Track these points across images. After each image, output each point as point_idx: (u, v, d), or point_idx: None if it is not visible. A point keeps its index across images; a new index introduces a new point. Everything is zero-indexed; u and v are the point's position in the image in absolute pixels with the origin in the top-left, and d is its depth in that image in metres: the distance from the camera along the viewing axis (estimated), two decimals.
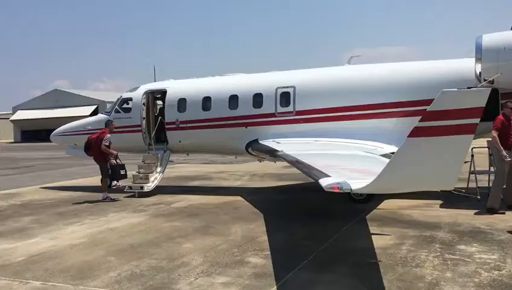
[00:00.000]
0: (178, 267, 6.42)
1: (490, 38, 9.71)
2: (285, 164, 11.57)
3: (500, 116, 9.00)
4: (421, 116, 4.27)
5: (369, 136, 11.07)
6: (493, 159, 9.79)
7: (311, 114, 11.90)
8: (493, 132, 8.79)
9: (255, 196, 12.12)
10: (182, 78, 14.66)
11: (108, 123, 12.87)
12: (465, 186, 10.89)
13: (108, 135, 12.32)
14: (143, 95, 13.80)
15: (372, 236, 7.63)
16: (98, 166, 12.69)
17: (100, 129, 12.95)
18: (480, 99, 3.99)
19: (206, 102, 13.01)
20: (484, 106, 4.00)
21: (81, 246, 7.70)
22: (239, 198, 11.89)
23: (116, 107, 14.13)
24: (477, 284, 5.32)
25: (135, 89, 14.30)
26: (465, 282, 5.40)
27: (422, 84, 11.09)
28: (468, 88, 10.02)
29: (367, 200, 10.44)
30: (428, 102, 11.32)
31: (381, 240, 7.38)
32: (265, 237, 7.83)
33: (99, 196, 12.47)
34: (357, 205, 10.18)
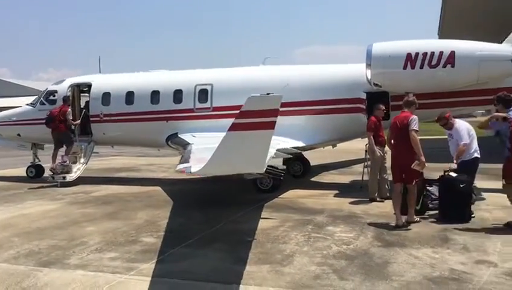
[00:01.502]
0: (75, 246, 7.11)
1: (379, 47, 10.92)
2: None
3: (373, 118, 10.23)
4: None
5: (280, 132, 12.06)
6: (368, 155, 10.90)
7: (227, 110, 12.77)
8: (368, 132, 10.02)
9: (173, 186, 12.88)
10: (128, 71, 15.26)
11: (66, 99, 13.86)
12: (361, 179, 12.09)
13: (69, 110, 13.71)
14: (68, 88, 14.23)
15: (261, 220, 8.59)
16: (19, 157, 13.10)
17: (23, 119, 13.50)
18: (275, 102, 5.03)
19: (130, 96, 13.61)
20: (279, 108, 5.04)
21: None
22: (157, 188, 12.59)
23: (42, 99, 14.49)
24: (323, 255, 6.37)
25: (61, 81, 14.71)
26: (315, 254, 6.45)
27: (327, 86, 12.27)
28: (367, 92, 11.40)
29: (272, 190, 11.43)
30: (332, 101, 12.58)
31: (267, 223, 8.36)
32: (166, 221, 8.62)
33: (21, 187, 12.89)
34: (262, 195, 11.13)
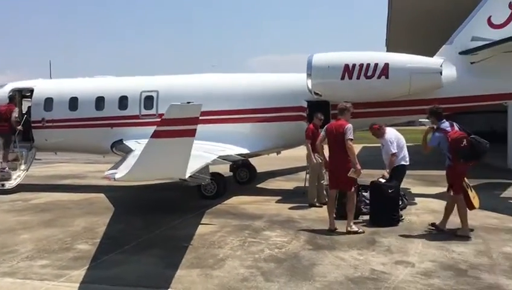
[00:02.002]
0: (6, 254, 7.01)
1: (318, 58, 11.33)
2: None
3: (311, 126, 10.60)
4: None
5: (224, 139, 12.25)
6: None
7: None
8: (306, 140, 10.37)
9: (117, 193, 12.75)
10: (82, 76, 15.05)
11: (12, 97, 13.81)
12: (303, 185, 12.42)
13: (16, 108, 13.49)
14: (9, 92, 13.87)
15: (200, 226, 8.71)
16: None
17: None
18: (195, 111, 5.24)
19: (73, 102, 13.43)
20: (199, 116, 5.24)
21: None
22: (101, 195, 12.45)
23: None
24: (254, 259, 6.57)
25: (2, 86, 14.31)
26: (247, 258, 6.63)
27: (271, 94, 12.57)
28: (308, 101, 11.74)
29: (216, 197, 11.56)
30: (276, 110, 12.87)
31: (205, 228, 8.49)
32: (104, 228, 8.59)
33: None
34: (206, 201, 11.24)
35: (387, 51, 34.26)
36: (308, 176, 11.43)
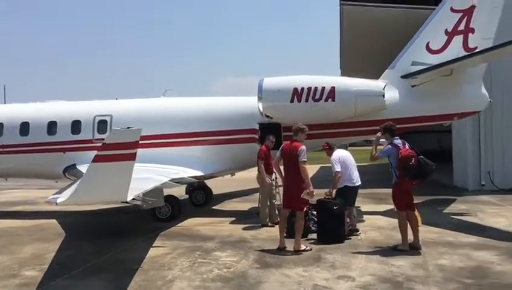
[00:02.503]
0: None
1: (268, 82, 11.73)
2: None
3: (263, 147, 10.92)
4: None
5: (178, 162, 12.37)
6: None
7: None
8: (259, 161, 10.65)
9: (69, 219, 12.58)
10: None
11: None
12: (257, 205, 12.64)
13: None
14: None
15: (152, 249, 8.76)
16: None
17: None
18: (135, 135, 5.46)
19: (24, 127, 13.26)
20: (139, 140, 5.45)
21: None
22: (52, 221, 12.22)
23: None
24: (202, 279, 6.72)
25: None
26: (195, 278, 6.78)
27: (224, 117, 12.85)
28: (260, 123, 12.07)
29: (171, 219, 11.62)
30: (229, 132, 13.10)
31: (157, 251, 8.55)
32: (53, 254, 8.51)
33: None
34: (160, 224, 11.27)
35: (342, 74, 35.63)
36: (260, 196, 11.70)
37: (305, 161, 8.18)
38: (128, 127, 5.57)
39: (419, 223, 8.29)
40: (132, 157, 5.37)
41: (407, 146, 8.17)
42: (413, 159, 7.88)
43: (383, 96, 11.45)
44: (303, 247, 8.21)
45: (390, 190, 16.10)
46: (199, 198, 14.80)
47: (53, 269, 7.50)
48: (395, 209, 8.26)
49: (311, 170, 8.33)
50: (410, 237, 8.21)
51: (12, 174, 14.15)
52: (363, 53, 27.01)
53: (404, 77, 12.13)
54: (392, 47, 12.66)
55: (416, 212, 8.23)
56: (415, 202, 8.42)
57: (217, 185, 17.17)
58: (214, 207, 14.44)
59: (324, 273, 6.83)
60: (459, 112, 12.14)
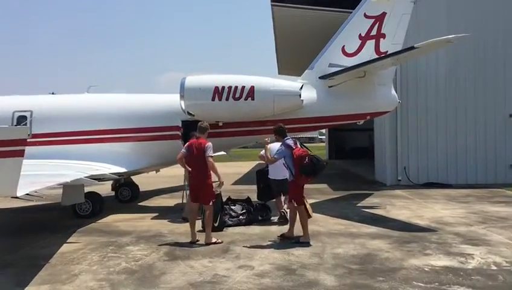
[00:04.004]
0: None
1: (191, 80, 12.00)
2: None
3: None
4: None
5: (100, 158, 12.38)
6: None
7: (47, 137, 12.70)
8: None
9: None
10: None
11: None
12: (181, 201, 12.89)
13: None
14: None
15: (65, 244, 8.80)
16: None
17: None
18: (23, 133, 5.67)
19: None
20: (26, 138, 5.65)
21: None
22: None
23: None
24: (108, 272, 6.90)
25: None
26: (101, 271, 6.94)
27: (148, 114, 12.98)
28: (184, 120, 12.25)
29: (92, 215, 11.63)
30: (153, 129, 13.19)
31: (70, 246, 8.61)
32: None
33: None
34: (81, 220, 11.26)
35: (279, 73, 36.45)
36: (186, 192, 11.94)
37: (212, 156, 8.67)
38: (16, 125, 5.66)
39: (311, 213, 8.95)
40: (21, 154, 5.48)
41: (298, 145, 8.76)
42: (307, 157, 8.45)
43: (300, 96, 12.02)
44: (214, 240, 8.59)
45: (314, 186, 16.98)
46: (125, 194, 14.86)
47: None
48: (294, 204, 8.73)
49: (215, 165, 8.67)
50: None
51: None
52: (296, 52, 27.84)
53: (321, 77, 12.79)
54: (321, 47, 13.27)
55: (308, 205, 8.79)
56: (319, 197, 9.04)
57: (147, 182, 17.31)
58: (140, 203, 14.54)
59: (227, 264, 7.20)
60: (371, 112, 12.95)
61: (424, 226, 9.72)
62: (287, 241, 8.53)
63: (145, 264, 7.30)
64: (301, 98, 12.10)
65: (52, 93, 15.93)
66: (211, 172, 8.84)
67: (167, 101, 12.98)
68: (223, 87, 11.76)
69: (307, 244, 8.28)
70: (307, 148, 8.81)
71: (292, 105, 12.11)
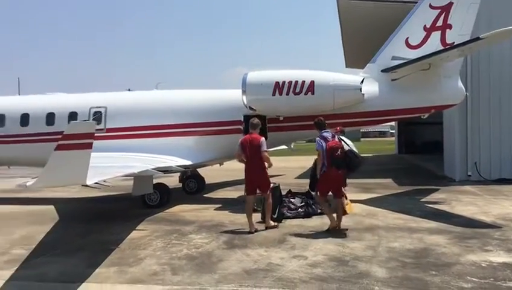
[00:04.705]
0: None
1: (252, 76, 12.29)
2: (126, 177, 12.85)
3: None
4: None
5: (168, 151, 13.05)
6: None
7: (120, 131, 13.59)
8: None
9: (68, 205, 13.41)
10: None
11: None
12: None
13: None
14: None
15: (134, 231, 9.44)
16: None
17: None
18: (90, 128, 6.15)
19: (25, 118, 14.04)
20: (94, 132, 6.14)
21: None
22: (50, 207, 13.00)
23: None
24: (170, 257, 7.37)
25: None
26: (164, 257, 7.43)
27: (213, 109, 13.48)
28: (246, 115, 12.65)
29: (160, 205, 12.32)
30: (217, 123, 13.71)
31: (138, 233, 9.23)
32: (43, 235, 9.24)
33: None
34: (150, 209, 11.97)
35: (346, 66, 35.90)
36: None
37: (267, 151, 9.20)
38: (84, 120, 6.21)
39: (349, 210, 9.31)
40: (89, 146, 6.03)
41: (336, 138, 8.89)
42: (339, 150, 8.62)
43: (360, 90, 11.94)
44: (272, 223, 9.27)
45: (379, 180, 16.82)
46: (192, 186, 15.52)
47: (39, 248, 8.22)
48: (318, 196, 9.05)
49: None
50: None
51: (14, 162, 14.98)
52: (363, 45, 27.32)
53: (384, 71, 12.61)
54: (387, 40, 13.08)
55: (348, 201, 8.88)
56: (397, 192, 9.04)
57: (213, 175, 17.93)
58: (205, 195, 15.11)
59: (282, 254, 7.43)
60: (436, 105, 12.58)
61: (488, 222, 9.37)
62: (339, 233, 8.62)
63: (205, 252, 7.70)
64: (362, 92, 12.01)
65: (129, 90, 16.96)
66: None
67: (230, 97, 13.37)
68: (284, 82, 11.96)
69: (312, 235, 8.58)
70: (343, 141, 8.93)
71: (353, 99, 12.07)
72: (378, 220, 9.90)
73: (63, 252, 7.96)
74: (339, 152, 8.59)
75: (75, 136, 6.00)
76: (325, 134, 8.94)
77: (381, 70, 12.63)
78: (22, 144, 14.01)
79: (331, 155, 8.61)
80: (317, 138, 9.01)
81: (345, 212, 9.14)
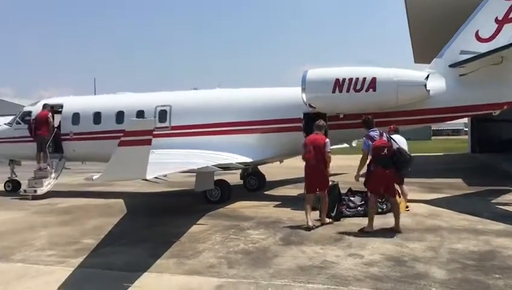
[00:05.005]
0: (23, 246, 8.29)
1: (312, 73, 12.24)
2: (190, 174, 13.28)
3: None
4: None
5: (229, 149, 13.31)
6: None
7: (184, 129, 14.05)
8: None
9: (134, 199, 14.06)
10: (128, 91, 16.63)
11: (45, 106, 15.31)
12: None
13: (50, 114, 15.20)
14: (42, 109, 15.49)
15: (194, 225, 9.75)
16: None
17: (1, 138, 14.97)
18: (148, 125, 6.39)
19: (97, 116, 14.89)
20: (152, 129, 6.36)
21: None
22: (120, 200, 13.72)
23: (18, 119, 15.77)
24: (228, 251, 7.54)
25: (35, 103, 16.03)
26: (222, 250, 7.62)
27: (273, 107, 13.57)
28: (305, 113, 12.65)
29: (221, 201, 12.60)
30: (278, 121, 13.82)
31: (198, 227, 9.52)
32: (111, 227, 9.78)
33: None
34: (211, 205, 12.29)
35: (415, 62, 34.66)
36: None
37: (329, 152, 9.32)
38: (143, 118, 6.50)
39: (403, 209, 9.24)
40: (148, 142, 6.31)
41: (384, 137, 8.69)
42: (386, 149, 8.43)
43: (425, 86, 11.53)
44: (327, 220, 9.44)
45: (448, 180, 16.23)
46: (252, 183, 15.72)
47: (107, 239, 8.72)
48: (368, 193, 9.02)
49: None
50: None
51: (88, 158, 15.95)
52: (433, 39, 26.25)
53: (452, 66, 12.09)
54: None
55: (401, 199, 8.64)
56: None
57: (273, 172, 18.04)
58: (265, 192, 15.24)
59: (338, 251, 7.37)
60: (509, 101, 11.87)
61: None
62: (397, 234, 8.44)
63: (261, 247, 7.80)
64: (427, 88, 11.60)
65: (195, 89, 17.47)
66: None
67: (290, 94, 13.39)
68: (344, 79, 11.80)
69: (369, 234, 8.41)
70: (393, 141, 8.76)
71: (417, 96, 11.68)
72: (443, 221, 9.54)
73: (129, 242, 8.39)
74: (385, 151, 8.50)
75: (135, 133, 6.32)
76: (371, 133, 8.87)
77: (449, 65, 12.12)
78: (95, 140, 14.85)
79: (376, 154, 8.54)
80: (364, 138, 8.95)
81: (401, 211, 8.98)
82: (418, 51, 31.10)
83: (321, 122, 9.71)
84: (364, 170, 9.02)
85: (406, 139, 10.68)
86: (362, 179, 9.12)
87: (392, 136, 9.97)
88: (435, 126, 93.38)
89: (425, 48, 29.49)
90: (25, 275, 6.60)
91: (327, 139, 9.44)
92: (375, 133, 8.83)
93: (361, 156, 9.03)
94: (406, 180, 10.99)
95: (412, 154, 9.07)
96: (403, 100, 11.68)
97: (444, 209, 10.79)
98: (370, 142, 8.71)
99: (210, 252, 7.56)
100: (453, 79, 12.08)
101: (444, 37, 22.07)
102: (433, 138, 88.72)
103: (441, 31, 23.18)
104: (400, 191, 10.31)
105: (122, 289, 5.92)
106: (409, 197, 12.93)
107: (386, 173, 8.58)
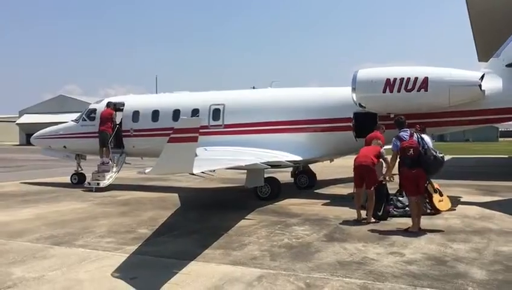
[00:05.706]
0: (85, 233, 9.02)
1: (362, 73, 12.28)
2: (243, 171, 13.67)
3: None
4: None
5: (279, 147, 13.61)
6: None
7: (236, 127, 14.51)
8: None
9: (188, 194, 14.71)
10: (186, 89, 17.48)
11: (109, 104, 16.29)
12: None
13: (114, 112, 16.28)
14: (105, 107, 16.51)
15: (243, 220, 10.14)
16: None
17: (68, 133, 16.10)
18: (196, 123, 6.77)
19: (155, 114, 15.68)
20: (199, 127, 6.72)
21: (25, 220, 10.33)
22: (174, 195, 14.42)
23: (84, 116, 16.89)
24: (271, 245, 7.85)
25: (100, 101, 17.10)
26: (266, 244, 7.94)
27: (323, 106, 13.73)
28: (356, 112, 12.75)
29: (270, 198, 12.94)
30: (329, 120, 14.00)
31: (246, 222, 9.91)
32: (165, 219, 10.37)
33: (63, 191, 15.23)
34: (261, 201, 12.66)
35: (479, 60, 33.37)
36: None
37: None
38: (192, 116, 6.92)
39: (443, 208, 9.35)
40: (195, 139, 6.73)
41: (414, 138, 8.68)
42: (412, 149, 8.44)
43: (479, 86, 11.28)
44: (372, 220, 9.52)
45: (509, 183, 15.75)
46: (303, 181, 15.92)
47: (160, 229, 9.29)
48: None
49: None
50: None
51: (146, 154, 16.76)
52: (495, 37, 25.23)
53: (509, 65, 11.77)
54: None
55: (443, 197, 9.07)
56: None
57: (324, 171, 18.16)
58: (315, 190, 15.41)
59: (379, 249, 7.48)
60: None
61: None
62: (440, 234, 8.43)
63: (304, 242, 8.05)
64: (482, 89, 11.34)
65: (253, 88, 17.91)
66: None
67: (340, 94, 13.49)
68: (395, 79, 11.76)
69: (415, 234, 8.39)
70: (423, 142, 8.69)
71: (471, 96, 11.45)
72: (493, 223, 9.36)
73: (180, 233, 8.90)
74: (411, 151, 8.54)
75: (184, 130, 6.78)
76: (401, 133, 8.94)
77: (506, 65, 11.79)
78: (153, 137, 15.64)
79: (403, 155, 8.63)
80: (394, 138, 9.01)
81: (437, 210, 9.17)
82: (481, 49, 29.95)
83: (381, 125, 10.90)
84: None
85: (465, 141, 10.60)
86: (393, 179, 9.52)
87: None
88: (503, 127, 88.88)
89: (490, 45, 28.38)
90: (86, 259, 7.23)
91: (382, 138, 10.33)
92: (405, 133, 8.91)
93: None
94: (464, 182, 10.88)
95: (453, 156, 9.11)
96: (455, 101, 11.49)
97: (497, 212, 10.54)
98: (399, 143, 8.78)
99: (255, 245, 7.91)
100: (510, 79, 11.72)
101: (507, 34, 21.25)
102: (500, 139, 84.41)
103: (504, 28, 22.38)
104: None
105: (171, 275, 6.37)
106: (464, 199, 12.78)
107: (413, 173, 8.61)
